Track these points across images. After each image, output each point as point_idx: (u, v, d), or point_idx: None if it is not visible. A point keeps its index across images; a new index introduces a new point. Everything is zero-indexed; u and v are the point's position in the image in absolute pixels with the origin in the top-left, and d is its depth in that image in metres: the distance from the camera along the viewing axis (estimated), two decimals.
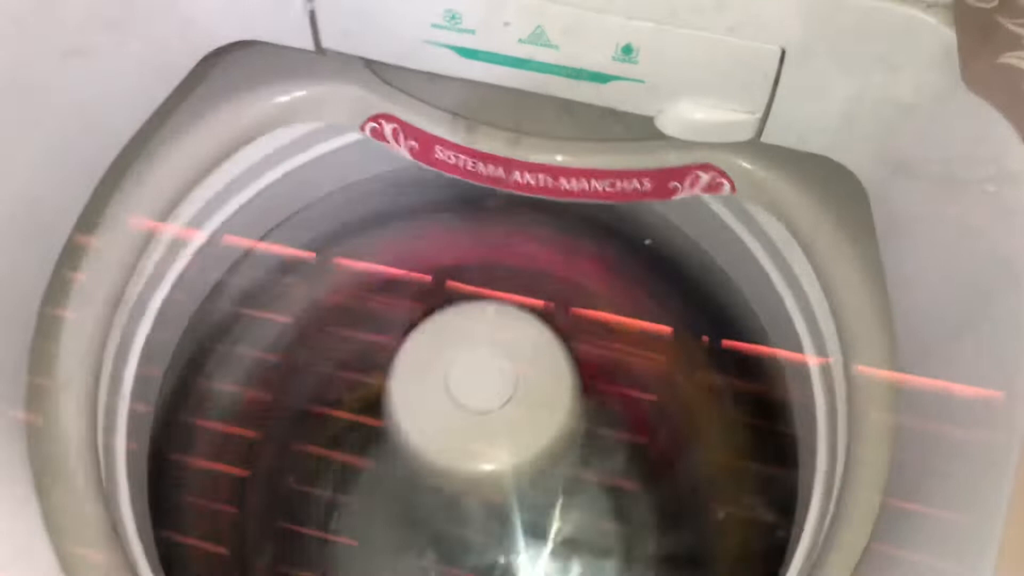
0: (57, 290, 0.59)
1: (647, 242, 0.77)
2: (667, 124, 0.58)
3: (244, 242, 0.72)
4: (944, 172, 0.51)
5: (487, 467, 0.68)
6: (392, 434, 0.71)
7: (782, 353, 0.66)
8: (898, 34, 0.48)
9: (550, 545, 0.85)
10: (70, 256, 0.60)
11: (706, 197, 0.67)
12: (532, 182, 0.65)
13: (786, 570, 0.58)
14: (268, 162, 0.69)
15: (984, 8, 0.46)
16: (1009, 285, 0.46)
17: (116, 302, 0.62)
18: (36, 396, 0.57)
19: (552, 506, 0.85)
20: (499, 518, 0.78)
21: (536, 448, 0.68)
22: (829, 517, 0.58)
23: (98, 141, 0.59)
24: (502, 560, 0.83)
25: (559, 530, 0.86)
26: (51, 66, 0.55)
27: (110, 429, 0.61)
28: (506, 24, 0.56)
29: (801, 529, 0.59)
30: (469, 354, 0.69)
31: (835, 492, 0.58)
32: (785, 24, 0.50)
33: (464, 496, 0.74)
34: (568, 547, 0.86)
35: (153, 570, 0.58)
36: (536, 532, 0.84)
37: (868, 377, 0.58)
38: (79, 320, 0.60)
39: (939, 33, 0.48)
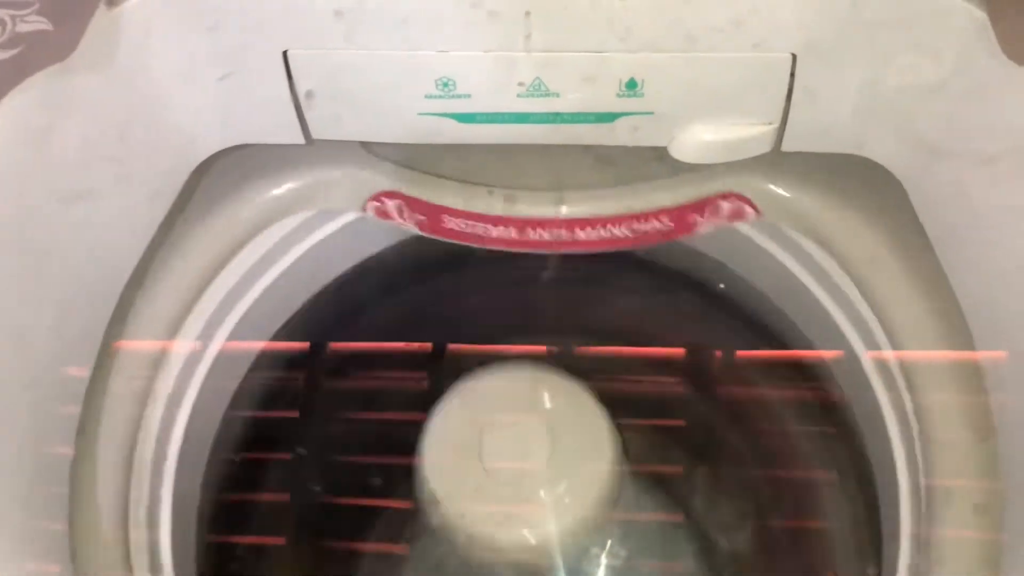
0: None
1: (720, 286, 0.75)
2: (682, 151, 0.56)
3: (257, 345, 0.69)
4: (987, 148, 0.50)
5: (522, 536, 0.64)
6: (426, 505, 0.66)
7: (831, 354, 0.64)
8: (925, 17, 0.47)
9: None
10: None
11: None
12: (548, 237, 0.63)
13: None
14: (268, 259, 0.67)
15: None
16: None
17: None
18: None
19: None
20: None
21: (574, 516, 0.63)
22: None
23: (107, 279, 0.56)
24: None
25: None
26: (54, 215, 0.52)
27: None
28: (503, 82, 0.54)
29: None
30: (502, 419, 0.65)
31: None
32: (804, 27, 0.49)
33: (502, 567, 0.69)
34: None
35: None
36: None
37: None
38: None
39: (971, 13, 0.47)
